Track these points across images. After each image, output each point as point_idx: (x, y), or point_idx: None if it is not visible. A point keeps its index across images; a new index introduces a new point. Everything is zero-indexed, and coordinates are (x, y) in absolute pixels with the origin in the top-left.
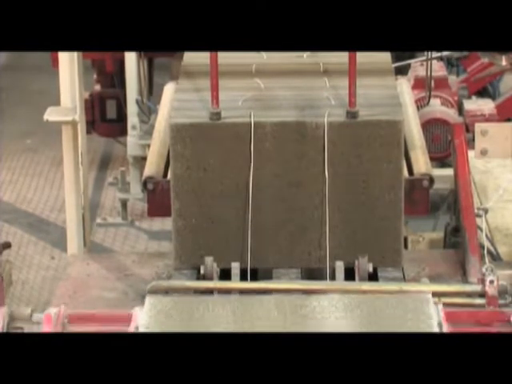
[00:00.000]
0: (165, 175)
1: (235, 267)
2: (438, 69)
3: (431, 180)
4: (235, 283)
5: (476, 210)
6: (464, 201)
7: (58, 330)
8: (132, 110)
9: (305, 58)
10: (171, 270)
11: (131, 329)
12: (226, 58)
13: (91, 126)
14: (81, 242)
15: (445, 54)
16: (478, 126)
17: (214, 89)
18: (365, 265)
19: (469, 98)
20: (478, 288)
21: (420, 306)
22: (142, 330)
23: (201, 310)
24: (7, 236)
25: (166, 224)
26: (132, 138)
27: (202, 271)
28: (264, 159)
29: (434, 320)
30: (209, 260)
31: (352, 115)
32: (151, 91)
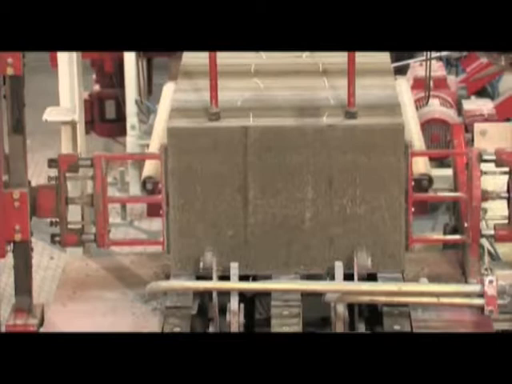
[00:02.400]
0: None
1: (234, 267)
2: (437, 69)
3: (430, 180)
4: (234, 283)
5: None
6: (463, 201)
7: None
8: (131, 110)
9: (304, 58)
10: (170, 270)
11: None
12: (226, 58)
13: (90, 126)
14: None
15: (444, 54)
16: (477, 126)
17: (213, 89)
18: (364, 260)
19: (468, 98)
20: (477, 288)
21: None
22: None
23: None
24: None
25: None
26: (131, 138)
27: (201, 271)
28: (262, 162)
29: None
30: (208, 260)
31: (351, 115)
32: (150, 91)
